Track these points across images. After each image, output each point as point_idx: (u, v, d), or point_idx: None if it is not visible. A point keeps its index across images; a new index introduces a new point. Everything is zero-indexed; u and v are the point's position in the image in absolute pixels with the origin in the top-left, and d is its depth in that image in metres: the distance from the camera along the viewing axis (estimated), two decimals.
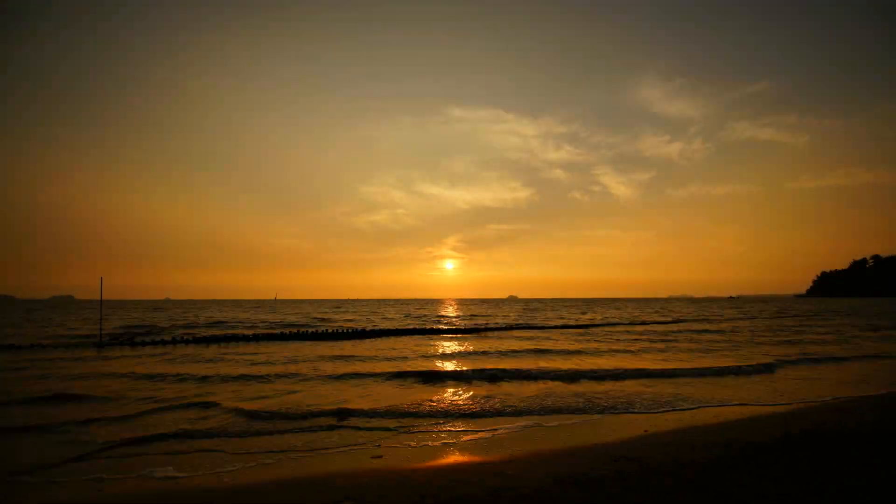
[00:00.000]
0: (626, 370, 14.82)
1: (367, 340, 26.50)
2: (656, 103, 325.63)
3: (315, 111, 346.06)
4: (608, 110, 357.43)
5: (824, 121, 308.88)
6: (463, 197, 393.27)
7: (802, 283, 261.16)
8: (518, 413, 9.77)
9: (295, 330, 31.87)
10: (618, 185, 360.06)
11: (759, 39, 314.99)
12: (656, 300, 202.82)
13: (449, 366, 16.25)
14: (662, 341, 25.13)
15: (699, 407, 10.22)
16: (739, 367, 15.42)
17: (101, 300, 24.97)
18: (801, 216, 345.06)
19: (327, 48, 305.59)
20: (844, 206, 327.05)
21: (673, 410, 9.91)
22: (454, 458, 7.02)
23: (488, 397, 11.20)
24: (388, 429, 8.71)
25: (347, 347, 22.49)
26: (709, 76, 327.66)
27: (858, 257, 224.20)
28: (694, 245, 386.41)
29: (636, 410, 9.92)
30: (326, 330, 31.01)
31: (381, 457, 7.08)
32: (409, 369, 15.23)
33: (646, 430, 8.22)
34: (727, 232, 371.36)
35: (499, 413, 9.77)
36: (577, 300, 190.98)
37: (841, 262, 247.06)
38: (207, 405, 10.56)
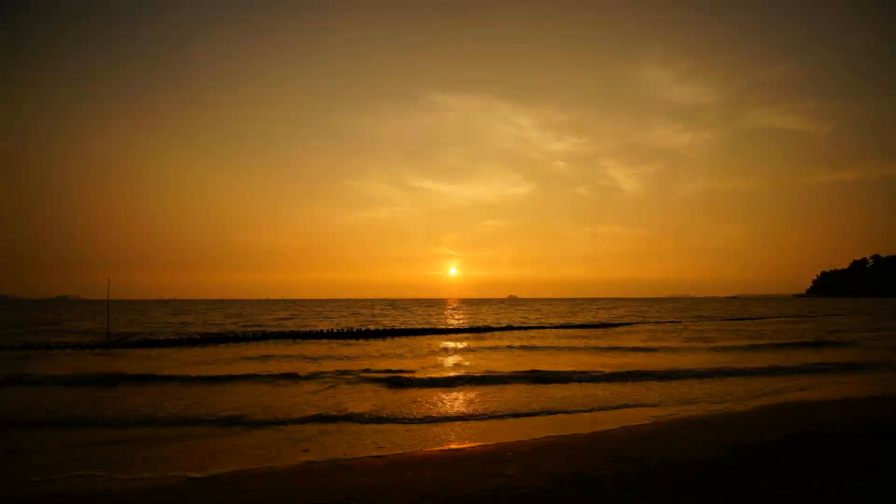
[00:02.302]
0: None
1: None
2: (665, 88, 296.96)
3: (289, 101, 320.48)
4: (613, 96, 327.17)
5: (850, 107, 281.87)
6: (459, 192, 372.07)
7: (808, 282, 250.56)
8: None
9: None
10: (625, 179, 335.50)
11: (776, 17, 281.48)
12: (655, 300, 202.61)
13: None
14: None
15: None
16: None
17: (107, 300, 25.07)
18: (813, 212, 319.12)
19: (290, 34, 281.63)
20: (861, 201, 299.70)
21: None
22: (454, 458, 7.03)
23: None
24: (388, 429, 8.75)
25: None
26: (722, 58, 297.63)
27: (859, 257, 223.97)
28: (699, 243, 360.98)
29: None
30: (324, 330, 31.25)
31: (381, 456, 7.10)
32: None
33: (644, 429, 8.25)
34: (734, 229, 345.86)
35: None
36: (575, 300, 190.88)
37: (847, 262, 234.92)
38: None
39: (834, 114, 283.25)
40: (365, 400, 11.09)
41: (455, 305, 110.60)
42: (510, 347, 22.65)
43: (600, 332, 33.38)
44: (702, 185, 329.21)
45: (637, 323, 42.31)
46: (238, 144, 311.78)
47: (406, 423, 9.16)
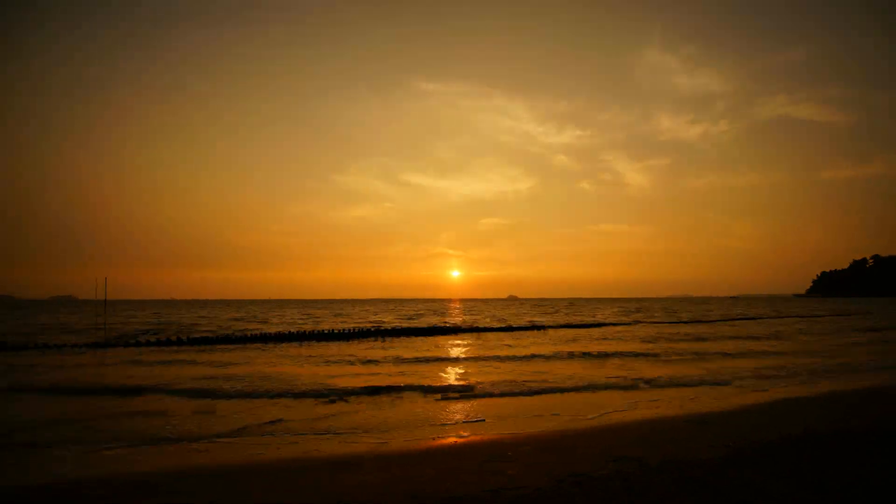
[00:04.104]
0: None
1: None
2: (671, 76, 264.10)
3: (266, 92, 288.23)
4: (614, 85, 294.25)
5: (875, 95, 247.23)
6: (455, 188, 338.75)
7: (808, 282, 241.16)
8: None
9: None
10: (633, 173, 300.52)
11: None
12: (655, 300, 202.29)
13: None
14: None
15: None
16: None
17: (105, 300, 25.01)
18: (830, 209, 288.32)
19: (262, 20, 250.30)
20: (880, 197, 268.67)
21: None
22: (454, 456, 7.03)
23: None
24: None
25: None
26: (731, 42, 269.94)
27: (859, 256, 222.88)
28: (708, 242, 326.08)
29: None
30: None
31: (381, 455, 7.10)
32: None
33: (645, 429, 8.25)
34: (744, 227, 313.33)
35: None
36: (576, 300, 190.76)
37: (850, 261, 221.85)
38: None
39: (858, 103, 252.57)
40: None
41: (456, 305, 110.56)
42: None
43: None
44: (712, 181, 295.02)
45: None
46: (218, 140, 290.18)
47: None
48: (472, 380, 13.70)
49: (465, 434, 8.38)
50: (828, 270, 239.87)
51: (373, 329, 33.32)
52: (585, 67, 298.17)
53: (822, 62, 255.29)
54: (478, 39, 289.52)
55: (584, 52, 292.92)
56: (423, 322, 42.91)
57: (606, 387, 12.69)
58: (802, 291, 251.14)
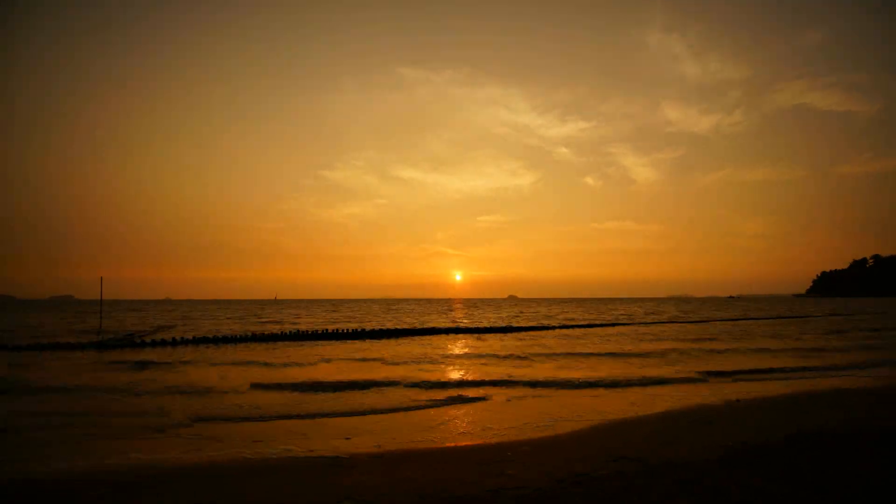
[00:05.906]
0: None
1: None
2: (677, 61, 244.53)
3: (244, 85, 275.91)
4: (617, 72, 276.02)
5: None
6: (451, 183, 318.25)
7: (808, 282, 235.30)
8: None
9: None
10: (639, 168, 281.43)
11: None
12: (653, 300, 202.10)
13: None
14: None
15: None
16: None
17: (101, 300, 24.95)
18: (834, 207, 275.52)
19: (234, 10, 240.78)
20: (888, 195, 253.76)
21: None
22: (454, 457, 7.01)
23: None
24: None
25: None
26: (741, 24, 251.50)
27: (859, 256, 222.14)
28: (718, 240, 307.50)
29: None
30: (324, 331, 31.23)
31: (380, 455, 7.08)
32: None
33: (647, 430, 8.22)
34: (752, 225, 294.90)
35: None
36: (574, 300, 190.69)
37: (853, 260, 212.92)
38: None
39: (879, 91, 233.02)
40: None
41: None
42: None
43: None
44: (725, 175, 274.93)
45: None
46: (208, 137, 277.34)
47: None
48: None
49: (466, 433, 8.37)
50: (828, 270, 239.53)
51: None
52: (584, 52, 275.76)
53: (839, 46, 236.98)
54: (467, 23, 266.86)
55: (581, 34, 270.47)
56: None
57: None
58: (802, 291, 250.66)
